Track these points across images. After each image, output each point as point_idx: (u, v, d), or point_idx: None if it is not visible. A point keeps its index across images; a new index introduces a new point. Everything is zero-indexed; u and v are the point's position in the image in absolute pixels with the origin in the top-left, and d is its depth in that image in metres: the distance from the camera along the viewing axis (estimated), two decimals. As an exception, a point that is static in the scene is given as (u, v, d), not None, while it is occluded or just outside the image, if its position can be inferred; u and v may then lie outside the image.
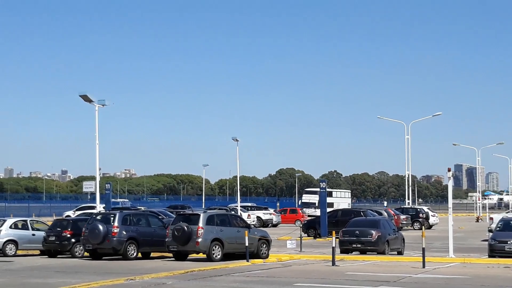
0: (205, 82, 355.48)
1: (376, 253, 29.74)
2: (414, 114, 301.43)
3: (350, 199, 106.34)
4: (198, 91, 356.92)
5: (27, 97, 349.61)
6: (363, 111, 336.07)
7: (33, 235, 31.50)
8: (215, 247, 26.45)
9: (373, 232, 30.00)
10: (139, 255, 28.51)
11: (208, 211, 30.03)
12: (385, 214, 49.57)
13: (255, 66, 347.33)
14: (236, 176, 75.42)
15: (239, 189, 63.85)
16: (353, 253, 30.10)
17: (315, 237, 44.16)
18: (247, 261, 25.64)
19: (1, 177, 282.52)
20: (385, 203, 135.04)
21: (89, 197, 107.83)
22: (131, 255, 27.69)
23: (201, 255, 27.38)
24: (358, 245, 29.96)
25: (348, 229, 30.82)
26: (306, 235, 44.37)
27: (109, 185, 45.44)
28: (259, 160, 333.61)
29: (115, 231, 27.64)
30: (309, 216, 68.87)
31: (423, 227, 47.72)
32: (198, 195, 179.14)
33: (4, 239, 30.72)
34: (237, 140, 59.29)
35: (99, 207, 38.39)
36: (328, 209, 46.98)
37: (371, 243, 29.79)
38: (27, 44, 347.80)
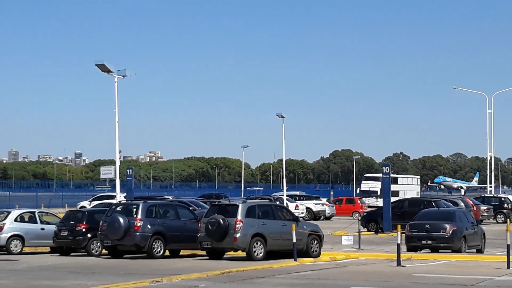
0: (243, 52, 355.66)
1: (450, 251, 29.58)
2: (497, 83, 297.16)
3: (419, 186, 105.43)
4: (235, 62, 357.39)
5: (34, 70, 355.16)
6: (435, 81, 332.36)
7: (42, 229, 31.96)
8: (257, 243, 26.59)
9: (447, 226, 29.80)
10: (167, 252, 28.81)
11: (248, 201, 30.25)
12: (462, 204, 49.15)
13: (305, 34, 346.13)
14: (281, 160, 75.47)
15: (285, 175, 63.87)
16: (423, 251, 29.99)
17: (376, 232, 44.08)
18: (295, 260, 25.73)
19: (5, 161, 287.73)
20: (462, 192, 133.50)
21: (107, 184, 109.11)
22: (157, 253, 28.00)
23: (239, 253, 27.55)
24: (428, 242, 29.81)
25: (417, 223, 30.66)
26: (365, 229, 44.29)
27: (131, 170, 45.88)
28: (309, 140, 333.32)
29: (138, 224, 27.94)
30: (369, 207, 68.61)
31: (508, 220, 47.16)
32: (236, 182, 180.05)
33: (8, 234, 31.17)
34: (282, 117, 59.12)
35: (120, 197, 38.82)
36: (393, 199, 46.76)
37: (444, 239, 29.61)
38: (28, 10, 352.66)
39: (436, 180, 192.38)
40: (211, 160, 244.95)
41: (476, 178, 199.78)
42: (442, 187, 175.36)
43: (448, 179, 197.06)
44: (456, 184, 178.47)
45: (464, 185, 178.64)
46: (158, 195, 65.89)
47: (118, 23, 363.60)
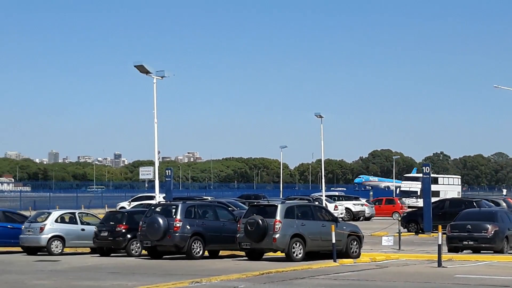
0: (281, 52, 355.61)
1: (492, 251, 29.29)
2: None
3: (460, 186, 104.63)
4: (273, 62, 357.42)
5: (73, 72, 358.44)
6: (475, 80, 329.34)
7: (83, 230, 32.25)
8: (296, 244, 26.57)
9: (489, 226, 29.51)
10: (206, 253, 28.91)
11: (287, 201, 30.21)
12: (504, 204, 48.59)
13: (344, 33, 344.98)
14: (320, 160, 75.30)
15: (324, 175, 63.72)
16: (464, 251, 29.74)
17: (416, 233, 43.81)
18: (334, 261, 25.67)
19: (45, 162, 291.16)
20: (504, 191, 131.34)
21: (146, 185, 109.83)
22: (196, 254, 28.11)
23: (278, 254, 27.55)
24: (470, 242, 29.55)
25: (458, 223, 30.41)
26: (405, 230, 44.01)
27: (169, 171, 46.12)
28: (348, 140, 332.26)
29: (178, 225, 28.07)
30: (409, 207, 68.27)
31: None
32: (275, 183, 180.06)
33: (49, 235, 31.49)
34: (321, 117, 59.04)
35: (159, 197, 39.01)
36: (433, 199, 46.42)
37: (486, 240, 29.34)
38: (68, 13, 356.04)
39: (356, 180, 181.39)
40: (249, 161, 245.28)
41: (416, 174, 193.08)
42: (369, 187, 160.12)
43: (373, 178, 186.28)
44: (383, 183, 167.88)
45: (393, 184, 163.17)
46: (197, 196, 66.15)
47: (157, 24, 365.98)
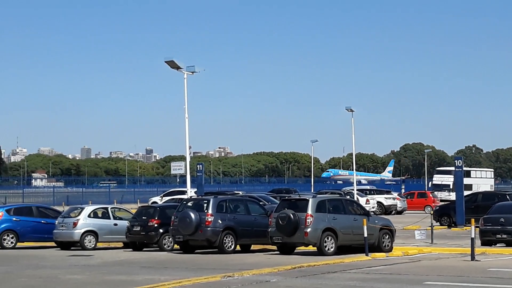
0: (312, 47, 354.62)
1: (526, 245, 29.02)
2: None
3: (492, 179, 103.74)
4: (305, 56, 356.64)
5: (105, 68, 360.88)
6: (508, 73, 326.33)
7: (115, 225, 32.46)
8: (327, 238, 26.53)
9: (523, 219, 29.23)
10: (238, 247, 28.97)
11: (319, 195, 30.17)
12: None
13: (374, 28, 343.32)
14: (351, 154, 75.05)
15: (355, 169, 63.55)
16: (497, 245, 29.49)
17: (449, 226, 43.58)
18: (366, 255, 25.59)
19: (78, 158, 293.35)
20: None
21: (178, 180, 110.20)
22: (228, 248, 28.17)
23: (310, 248, 27.53)
24: (503, 236, 29.29)
25: (491, 216, 30.15)
26: (438, 223, 43.78)
27: (201, 166, 46.26)
28: (379, 134, 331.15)
29: (209, 219, 28.14)
30: (441, 200, 67.81)
31: None
32: (306, 177, 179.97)
33: (83, 230, 31.72)
34: (352, 111, 58.91)
35: (190, 192, 39.15)
36: (466, 192, 46.10)
37: (520, 233, 29.07)
38: (100, 8, 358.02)
39: (324, 174, 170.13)
40: (280, 155, 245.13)
41: (390, 168, 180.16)
42: (340, 182, 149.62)
43: (343, 171, 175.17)
44: (356, 177, 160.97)
45: (367, 177, 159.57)
46: (228, 190, 66.30)
47: (187, 20, 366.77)
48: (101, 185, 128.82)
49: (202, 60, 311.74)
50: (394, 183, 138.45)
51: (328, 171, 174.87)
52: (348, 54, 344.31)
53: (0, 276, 20.96)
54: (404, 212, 63.79)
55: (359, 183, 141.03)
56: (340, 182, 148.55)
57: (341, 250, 26.89)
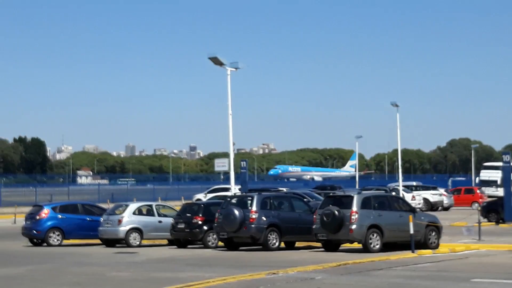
0: (356, 42, 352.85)
1: None
2: None
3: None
4: (349, 51, 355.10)
5: (149, 66, 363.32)
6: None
7: (160, 222, 32.61)
8: (373, 235, 26.41)
9: None
10: (282, 244, 28.96)
11: (363, 192, 29.94)
12: None
13: (419, 23, 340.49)
14: (396, 150, 74.50)
15: (401, 165, 63.12)
16: (547, 242, 29.10)
17: (497, 223, 43.08)
18: (412, 252, 25.42)
19: (122, 155, 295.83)
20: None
21: (222, 177, 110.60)
22: (272, 245, 28.18)
23: (355, 245, 27.43)
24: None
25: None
26: (485, 220, 43.30)
27: (245, 162, 46.39)
28: (425, 129, 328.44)
29: (254, 216, 28.17)
30: (489, 197, 66.98)
31: None
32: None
33: (127, 227, 31.93)
34: (397, 106, 58.50)
35: (234, 189, 39.24)
36: (514, 188, 45.53)
37: None
38: (143, 5, 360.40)
39: (271, 172, 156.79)
40: (324, 151, 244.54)
41: (352, 162, 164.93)
42: (293, 179, 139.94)
43: (294, 168, 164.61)
44: (309, 173, 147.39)
45: (323, 173, 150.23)
46: (272, 187, 66.27)
47: (231, 16, 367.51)
48: (120, 182, 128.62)
49: (246, 56, 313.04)
50: (348, 178, 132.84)
51: (276, 168, 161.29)
52: (394, 49, 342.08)
53: (47, 273, 21.24)
54: (451, 208, 63.24)
55: (312, 179, 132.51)
56: (293, 179, 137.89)
57: (387, 247, 26.73)
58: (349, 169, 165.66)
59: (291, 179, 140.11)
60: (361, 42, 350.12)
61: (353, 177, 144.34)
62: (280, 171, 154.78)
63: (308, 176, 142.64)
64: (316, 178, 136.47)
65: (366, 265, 21.84)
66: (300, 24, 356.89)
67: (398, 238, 27.11)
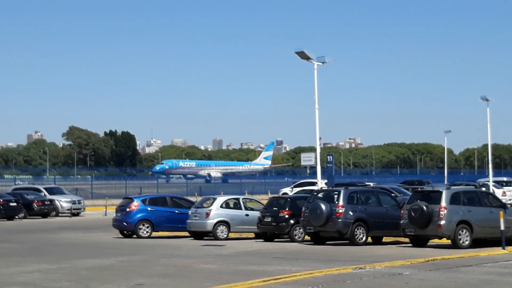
0: (444, 34, 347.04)
1: None
2: None
3: None
4: (437, 45, 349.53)
5: (236, 61, 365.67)
6: None
7: (247, 215, 32.84)
8: (462, 231, 26.02)
9: None
10: (369, 239, 28.79)
11: (452, 187, 29.53)
12: None
13: (506, 13, 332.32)
14: (486, 145, 73.07)
15: (491, 160, 61.84)
16: None
17: None
18: (503, 248, 24.92)
19: (210, 149, 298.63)
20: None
21: (308, 171, 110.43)
22: (359, 240, 28.05)
23: (444, 241, 27.06)
24: None
25: None
26: None
27: (331, 157, 46.19)
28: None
29: (340, 211, 28.09)
30: None
31: None
32: (439, 168, 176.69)
33: (215, 220, 32.27)
34: (487, 100, 57.37)
35: (321, 183, 39.18)
36: None
37: None
38: (230, 3, 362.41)
39: (156, 168, 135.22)
40: (412, 146, 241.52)
41: (267, 153, 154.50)
42: (191, 176, 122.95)
43: (186, 162, 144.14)
44: (206, 168, 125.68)
45: (220, 167, 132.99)
46: (359, 182, 65.90)
47: (317, 10, 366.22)
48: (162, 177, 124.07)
49: (332, 50, 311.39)
50: (255, 173, 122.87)
51: (163, 163, 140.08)
52: (485, 43, 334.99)
53: (138, 264, 21.64)
54: (544, 204, 61.62)
55: (209, 176, 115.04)
56: (191, 175, 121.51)
57: (476, 243, 26.30)
58: (263, 161, 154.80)
59: (188, 176, 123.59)
60: (451, 36, 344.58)
61: (263, 172, 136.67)
62: (167, 167, 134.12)
63: (205, 172, 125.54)
64: (214, 174, 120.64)
65: (455, 261, 21.51)
66: (388, 19, 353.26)
67: (488, 235, 26.65)
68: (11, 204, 47.65)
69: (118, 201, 41.05)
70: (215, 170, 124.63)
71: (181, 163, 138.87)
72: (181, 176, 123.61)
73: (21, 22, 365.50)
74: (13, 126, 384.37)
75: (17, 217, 48.32)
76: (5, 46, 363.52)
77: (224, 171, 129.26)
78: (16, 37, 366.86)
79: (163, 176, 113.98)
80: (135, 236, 33.48)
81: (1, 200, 47.35)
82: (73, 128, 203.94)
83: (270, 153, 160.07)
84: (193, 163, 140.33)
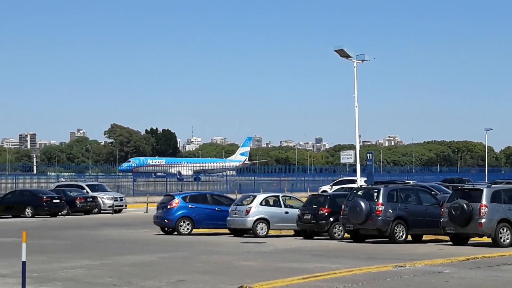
0: (484, 31, 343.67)
1: None
2: None
3: None
4: (477, 41, 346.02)
5: (275, 59, 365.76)
6: None
7: (286, 213, 32.83)
8: (503, 229, 25.79)
9: None
10: (409, 237, 28.63)
11: (493, 185, 29.23)
12: None
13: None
14: (527, 142, 72.21)
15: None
16: None
17: None
18: (545, 247, 24.63)
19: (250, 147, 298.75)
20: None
21: (347, 169, 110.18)
22: (399, 238, 27.91)
23: (484, 239, 26.82)
24: None
25: None
26: None
27: (370, 155, 46.03)
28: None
29: (380, 209, 27.97)
30: None
31: None
32: (479, 166, 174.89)
33: (255, 218, 32.29)
34: (528, 97, 56.67)
35: (360, 181, 39.09)
36: None
37: None
38: (271, 3, 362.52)
39: (123, 166, 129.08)
40: (452, 144, 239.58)
41: (243, 149, 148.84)
42: (162, 174, 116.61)
43: (155, 159, 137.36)
44: (176, 166, 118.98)
45: (191, 165, 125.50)
46: (398, 180, 65.50)
47: (357, 9, 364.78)
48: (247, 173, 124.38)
49: (373, 46, 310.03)
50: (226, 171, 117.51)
51: (130, 161, 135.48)
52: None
53: (178, 261, 21.79)
54: None
55: (179, 174, 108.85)
56: (162, 174, 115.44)
57: (517, 242, 26.01)
58: (239, 157, 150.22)
59: (159, 174, 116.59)
60: (492, 32, 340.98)
61: (237, 169, 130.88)
62: (134, 165, 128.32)
63: (176, 169, 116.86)
64: (185, 172, 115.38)
65: (496, 259, 21.32)
66: (427, 14, 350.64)
67: (530, 233, 26.34)
68: (55, 201, 48.22)
69: (159, 198, 41.33)
70: (185, 168, 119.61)
71: (149, 161, 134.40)
72: (152, 174, 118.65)
73: (68, 20, 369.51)
74: (56, 124, 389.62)
75: (60, 213, 48.91)
76: (52, 46, 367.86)
77: (195, 168, 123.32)
78: (64, 37, 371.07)
79: (129, 174, 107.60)
80: (176, 233, 33.67)
81: (45, 197, 47.94)
82: (114, 126, 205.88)
83: (247, 149, 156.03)
84: (162, 161, 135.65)
